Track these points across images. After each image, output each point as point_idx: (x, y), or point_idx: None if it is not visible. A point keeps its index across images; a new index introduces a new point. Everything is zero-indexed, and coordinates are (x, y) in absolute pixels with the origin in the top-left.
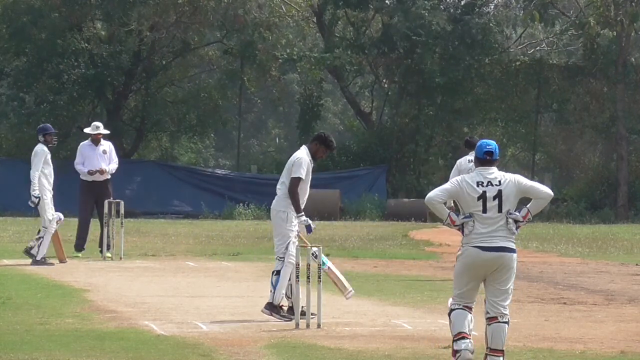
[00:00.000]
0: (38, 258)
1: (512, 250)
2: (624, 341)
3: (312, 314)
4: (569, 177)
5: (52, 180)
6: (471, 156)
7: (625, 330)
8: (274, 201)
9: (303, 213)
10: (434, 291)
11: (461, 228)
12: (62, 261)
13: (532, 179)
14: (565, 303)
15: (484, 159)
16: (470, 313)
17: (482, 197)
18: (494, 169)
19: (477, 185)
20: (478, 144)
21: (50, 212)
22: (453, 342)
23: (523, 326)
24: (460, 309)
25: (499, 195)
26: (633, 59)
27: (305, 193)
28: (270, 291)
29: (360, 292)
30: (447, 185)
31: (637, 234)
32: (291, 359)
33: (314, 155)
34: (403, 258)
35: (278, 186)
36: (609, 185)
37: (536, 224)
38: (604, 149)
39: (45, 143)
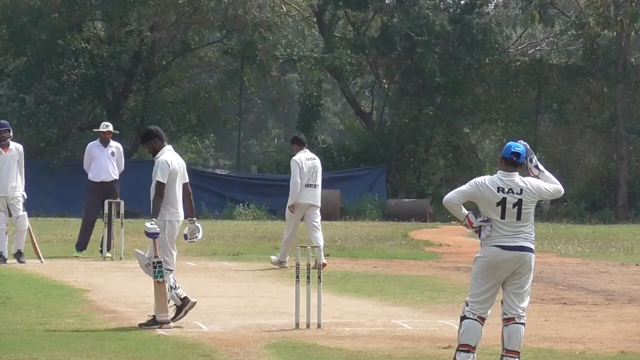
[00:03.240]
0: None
1: (532, 251)
2: (624, 341)
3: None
4: (569, 177)
5: None
6: (306, 153)
7: (625, 330)
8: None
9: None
10: (434, 291)
11: (478, 230)
12: None
13: None
14: (565, 303)
15: (510, 160)
16: (482, 325)
17: (502, 203)
18: (516, 175)
19: (498, 191)
20: (507, 144)
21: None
22: (457, 350)
23: None
24: (474, 319)
25: (519, 204)
26: (633, 59)
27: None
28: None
29: (360, 292)
30: (464, 187)
31: (637, 234)
32: (291, 359)
33: None
34: (403, 258)
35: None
36: (609, 185)
37: (536, 224)
38: (604, 149)
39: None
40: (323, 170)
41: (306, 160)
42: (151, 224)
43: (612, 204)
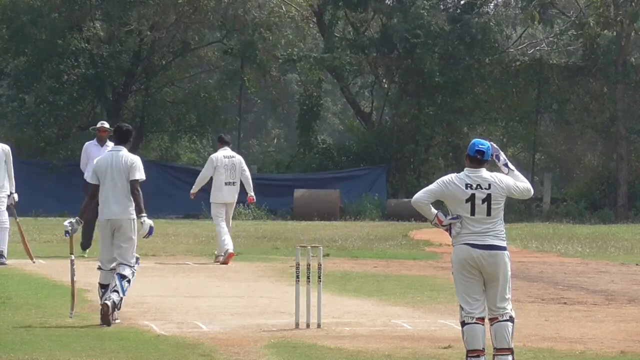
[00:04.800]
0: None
1: (502, 249)
2: (624, 341)
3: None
4: (569, 177)
5: None
6: (225, 151)
7: (625, 330)
8: (116, 206)
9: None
10: (434, 291)
11: (449, 229)
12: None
13: (532, 179)
14: (565, 303)
15: (474, 158)
16: (483, 325)
17: (471, 199)
18: (483, 170)
19: (466, 188)
20: (472, 142)
21: None
22: (467, 357)
23: (523, 326)
24: (473, 323)
25: (488, 199)
26: (633, 59)
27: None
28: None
29: (360, 292)
30: (432, 187)
31: (637, 234)
32: (291, 359)
33: None
34: (403, 258)
35: (114, 193)
36: (609, 185)
37: (536, 224)
38: (604, 149)
39: None
40: (323, 170)
41: (223, 158)
42: (68, 222)
43: (612, 203)
